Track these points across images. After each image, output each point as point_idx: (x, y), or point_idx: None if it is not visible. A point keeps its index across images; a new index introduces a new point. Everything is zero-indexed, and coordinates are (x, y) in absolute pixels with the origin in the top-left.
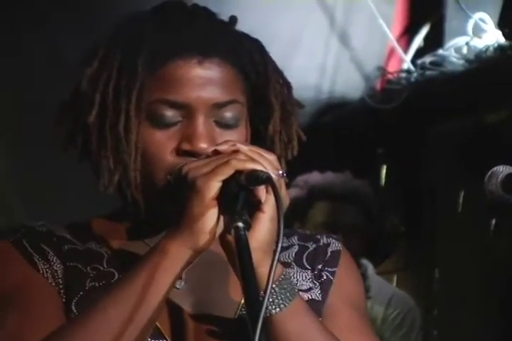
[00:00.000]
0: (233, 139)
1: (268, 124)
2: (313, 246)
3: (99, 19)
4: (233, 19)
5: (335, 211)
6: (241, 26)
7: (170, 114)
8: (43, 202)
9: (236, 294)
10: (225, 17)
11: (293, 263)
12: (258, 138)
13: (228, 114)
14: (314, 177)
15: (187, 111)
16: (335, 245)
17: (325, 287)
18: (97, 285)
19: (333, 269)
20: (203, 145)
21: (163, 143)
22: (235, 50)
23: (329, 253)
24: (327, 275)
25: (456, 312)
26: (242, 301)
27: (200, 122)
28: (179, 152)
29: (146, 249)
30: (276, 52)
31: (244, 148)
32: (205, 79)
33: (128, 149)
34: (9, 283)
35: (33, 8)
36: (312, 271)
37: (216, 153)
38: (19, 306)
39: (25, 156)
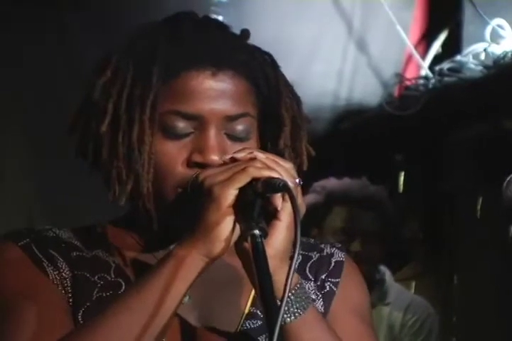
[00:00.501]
0: None
1: (278, 138)
2: (317, 255)
3: (116, 23)
4: (245, 32)
5: (352, 216)
6: (260, 34)
7: (182, 125)
8: (59, 206)
9: (240, 307)
10: (244, 26)
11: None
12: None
13: (239, 127)
14: (331, 182)
15: (199, 122)
16: (338, 255)
17: (328, 299)
18: (104, 295)
19: (337, 280)
20: (214, 158)
21: (175, 154)
22: (248, 63)
23: (333, 264)
24: (330, 287)
25: (475, 319)
26: (245, 313)
27: (212, 134)
28: (190, 163)
29: (152, 259)
30: (294, 60)
31: (261, 155)
32: (218, 92)
33: (141, 160)
34: (19, 287)
35: (57, 19)
36: (315, 282)
37: (233, 160)
38: (29, 312)
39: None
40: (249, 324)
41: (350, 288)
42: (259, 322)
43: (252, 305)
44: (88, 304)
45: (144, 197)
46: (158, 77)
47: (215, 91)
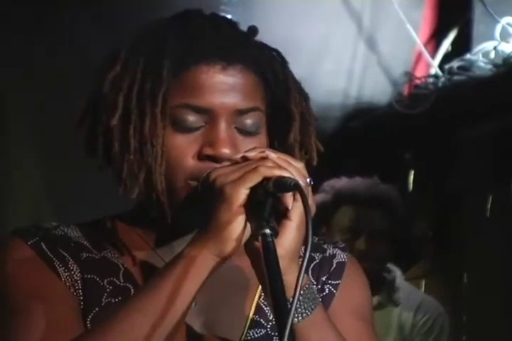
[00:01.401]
0: (253, 146)
1: (288, 133)
2: (320, 256)
3: (124, 21)
4: (253, 29)
5: (359, 215)
6: (270, 33)
7: (192, 118)
8: (68, 200)
9: (245, 310)
10: (254, 25)
11: None
12: (274, 147)
13: (249, 121)
14: (341, 182)
15: (209, 116)
16: (341, 256)
17: (326, 301)
18: (113, 301)
19: (337, 282)
20: (225, 151)
21: (185, 148)
22: (257, 58)
23: (334, 265)
24: (329, 289)
25: (485, 318)
26: (250, 317)
27: (223, 127)
28: (201, 156)
29: (159, 260)
30: (304, 58)
31: (272, 155)
32: (228, 86)
33: (153, 153)
34: (30, 287)
35: (66, 19)
36: (316, 285)
37: (244, 159)
38: (41, 312)
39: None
40: (253, 333)
41: (351, 289)
42: (263, 331)
43: (254, 313)
44: (97, 309)
45: (158, 190)
46: (168, 70)
47: (226, 85)
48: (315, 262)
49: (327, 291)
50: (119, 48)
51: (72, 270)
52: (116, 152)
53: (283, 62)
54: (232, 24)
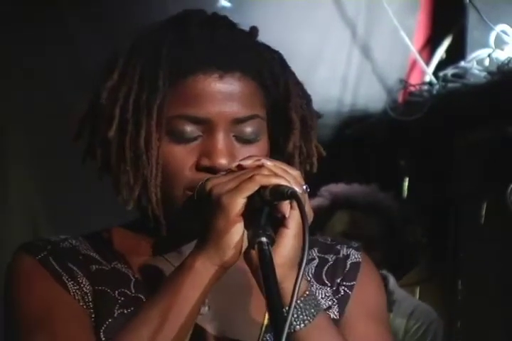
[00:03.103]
0: (253, 154)
1: (288, 139)
2: (333, 258)
3: (120, 26)
4: (254, 30)
5: (353, 221)
6: (263, 39)
7: (190, 129)
8: (66, 217)
9: (259, 316)
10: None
11: (313, 280)
12: (276, 151)
13: (248, 129)
14: (338, 187)
15: (207, 126)
16: (355, 256)
17: (342, 303)
18: (125, 312)
19: (352, 283)
20: (223, 162)
21: (183, 159)
22: (256, 63)
23: (348, 266)
24: (345, 291)
25: (480, 324)
26: (265, 323)
27: (220, 138)
28: (198, 167)
29: (169, 266)
30: (298, 65)
31: (268, 163)
32: (225, 94)
33: (149, 165)
34: (39, 303)
35: (57, 19)
36: (331, 287)
37: (240, 168)
38: (51, 329)
39: (50, 167)
40: (269, 337)
41: (366, 290)
42: None
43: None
44: (110, 320)
45: (153, 202)
46: (164, 80)
47: (223, 94)
48: (329, 264)
49: (342, 293)
50: (117, 54)
51: (82, 283)
52: (113, 163)
53: (283, 65)
54: (231, 25)
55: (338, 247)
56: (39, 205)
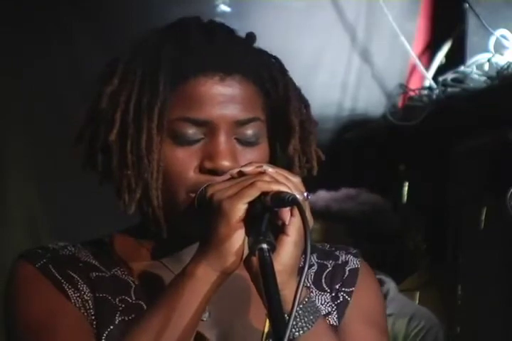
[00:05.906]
0: (254, 156)
1: (287, 143)
2: (332, 264)
3: (120, 33)
4: (251, 36)
5: (325, 229)
6: (263, 44)
7: (192, 131)
8: (68, 219)
9: (259, 323)
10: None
11: (312, 286)
12: (275, 155)
13: (249, 132)
14: (315, 196)
15: (209, 128)
16: (353, 263)
17: (341, 309)
18: (126, 319)
19: (351, 289)
20: (225, 163)
21: (185, 161)
22: (256, 66)
23: (347, 273)
24: (343, 297)
25: (479, 330)
26: (266, 330)
27: (222, 140)
28: (201, 170)
29: (169, 273)
30: (298, 70)
31: (270, 169)
32: (227, 97)
33: (150, 168)
34: (41, 311)
35: (59, 23)
36: (330, 293)
37: (241, 174)
38: (53, 337)
39: (51, 174)
40: None
41: (365, 296)
42: None
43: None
44: (111, 327)
45: (154, 206)
46: (164, 83)
47: (224, 97)
48: (328, 270)
49: (341, 299)
50: (117, 60)
51: (82, 290)
52: (114, 167)
53: (282, 70)
54: (229, 31)
55: (337, 253)
56: (39, 215)
